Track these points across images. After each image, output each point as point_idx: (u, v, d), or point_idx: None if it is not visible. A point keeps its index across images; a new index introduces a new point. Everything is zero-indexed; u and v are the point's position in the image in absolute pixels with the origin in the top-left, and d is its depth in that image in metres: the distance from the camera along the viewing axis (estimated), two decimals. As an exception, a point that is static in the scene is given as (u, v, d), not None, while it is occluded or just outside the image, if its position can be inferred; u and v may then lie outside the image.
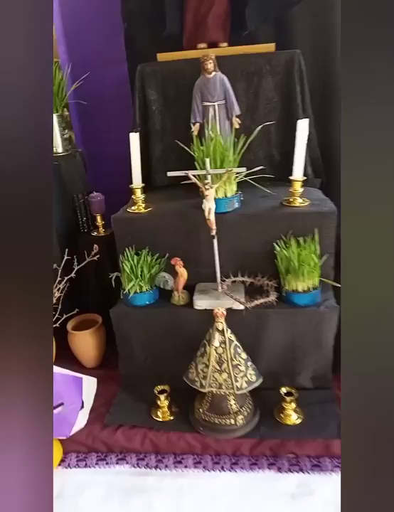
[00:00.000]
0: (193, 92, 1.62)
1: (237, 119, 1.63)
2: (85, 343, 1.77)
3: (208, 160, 1.37)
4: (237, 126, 1.62)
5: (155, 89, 1.75)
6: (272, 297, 1.39)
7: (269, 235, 1.48)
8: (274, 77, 1.69)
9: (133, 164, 1.53)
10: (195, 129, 1.64)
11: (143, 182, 1.59)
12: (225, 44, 1.76)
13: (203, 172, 1.39)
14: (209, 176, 1.38)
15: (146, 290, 1.53)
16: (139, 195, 1.57)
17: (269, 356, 1.51)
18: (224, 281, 1.46)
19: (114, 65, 2.14)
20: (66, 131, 2.00)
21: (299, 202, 1.49)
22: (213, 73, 1.57)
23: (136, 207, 1.58)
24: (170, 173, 1.41)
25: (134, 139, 1.50)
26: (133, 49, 2.03)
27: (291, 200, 1.50)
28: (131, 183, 1.56)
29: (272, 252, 1.48)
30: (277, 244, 1.47)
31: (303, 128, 1.40)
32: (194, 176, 1.39)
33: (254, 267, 1.51)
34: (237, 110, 1.62)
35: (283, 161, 1.78)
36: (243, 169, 1.41)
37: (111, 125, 2.21)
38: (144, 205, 1.59)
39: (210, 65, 1.54)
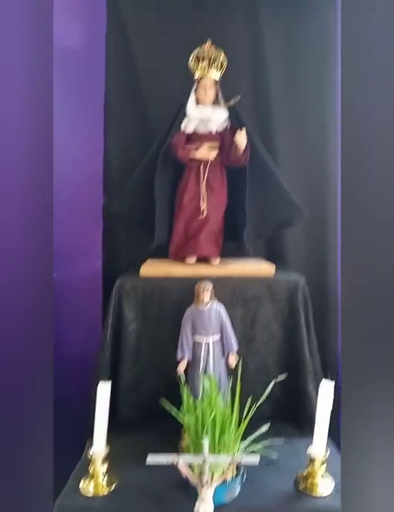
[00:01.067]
0: (183, 322, 1.33)
1: (235, 357, 1.34)
2: None
3: (206, 441, 0.98)
4: (234, 365, 1.32)
5: (134, 307, 1.46)
6: None
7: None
8: (274, 305, 1.46)
9: (97, 424, 1.12)
10: (181, 366, 1.31)
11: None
12: (217, 260, 1.57)
13: (199, 460, 0.99)
14: (207, 464, 0.98)
15: None
16: (98, 468, 1.12)
17: None
18: None
19: (87, 259, 1.91)
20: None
21: (319, 488, 1.10)
22: (209, 304, 1.31)
23: (93, 485, 1.11)
24: (150, 460, 0.99)
25: (104, 390, 1.12)
26: (112, 247, 1.83)
27: (309, 482, 1.11)
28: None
29: None
30: None
31: (327, 392, 1.10)
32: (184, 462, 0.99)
33: None
34: (234, 346, 1.33)
35: (287, 400, 1.46)
36: (255, 460, 1.03)
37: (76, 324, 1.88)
38: (104, 482, 1.12)
39: (206, 297, 1.29)
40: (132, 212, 1.71)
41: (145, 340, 1.46)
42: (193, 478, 0.96)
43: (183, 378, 1.25)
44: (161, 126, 1.63)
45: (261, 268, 1.53)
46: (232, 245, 1.64)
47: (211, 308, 1.30)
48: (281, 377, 1.23)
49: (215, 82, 1.54)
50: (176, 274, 1.50)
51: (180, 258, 1.59)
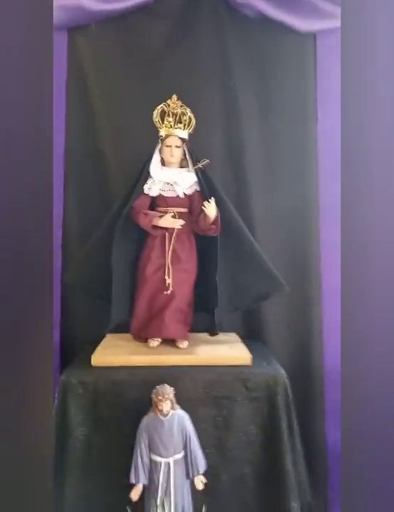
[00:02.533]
0: (137, 437, 1.09)
1: (202, 478, 1.09)
2: None
3: None
4: (202, 488, 1.07)
5: (82, 408, 1.20)
6: None
7: None
8: (251, 404, 1.23)
9: None
10: (135, 493, 1.06)
11: None
12: (185, 343, 1.35)
13: None
14: None
15: None
16: None
17: None
18: None
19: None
20: None
21: None
22: (170, 414, 1.07)
23: None
24: None
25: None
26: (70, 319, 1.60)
27: None
28: None
29: None
30: None
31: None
32: None
33: None
34: (202, 467, 1.09)
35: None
36: None
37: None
38: None
39: (166, 406, 1.05)
40: (89, 284, 1.49)
41: (96, 448, 1.20)
42: None
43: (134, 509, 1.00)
44: (123, 186, 1.44)
45: (236, 356, 1.30)
46: (203, 317, 1.42)
47: (172, 420, 1.06)
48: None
49: (183, 140, 1.36)
50: (135, 363, 1.26)
51: (144, 338, 1.37)
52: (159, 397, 1.03)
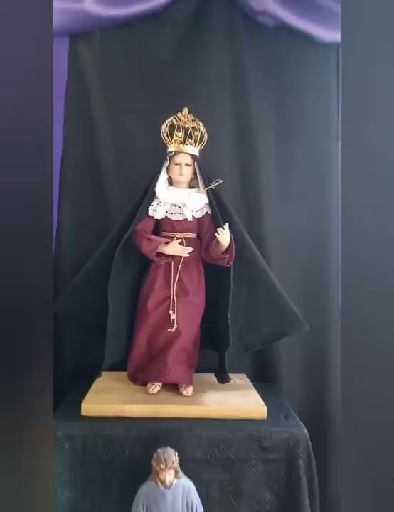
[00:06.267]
0: (133, 508, 0.90)
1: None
2: None
3: None
4: None
5: (69, 466, 1.02)
6: None
7: None
8: (266, 467, 1.05)
9: None
10: None
11: None
12: (190, 389, 1.17)
13: None
14: None
15: None
16: None
17: None
18: None
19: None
20: None
21: None
22: (173, 483, 0.89)
23: None
24: None
25: None
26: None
27: None
28: None
29: None
30: None
31: None
32: None
33: None
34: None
35: None
36: None
37: None
38: None
39: (169, 477, 0.87)
40: (82, 314, 1.32)
41: (82, 517, 1.02)
42: None
43: None
44: (123, 206, 1.29)
45: (250, 410, 1.12)
46: (209, 355, 1.26)
47: (176, 491, 0.88)
48: None
49: (193, 158, 1.21)
50: (131, 414, 1.08)
51: (142, 382, 1.19)
52: (161, 466, 0.86)
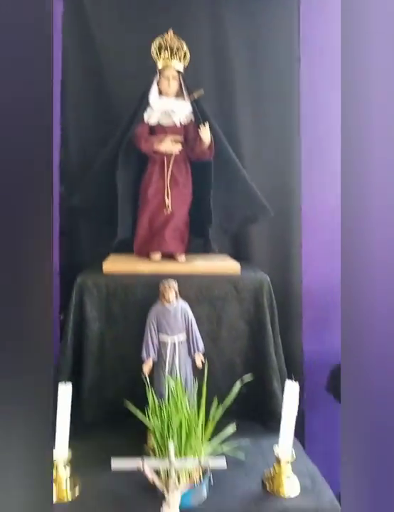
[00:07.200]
0: (147, 321, 1.29)
1: (201, 357, 1.31)
2: None
3: (171, 446, 0.95)
4: (201, 366, 1.29)
5: (97, 305, 1.40)
6: None
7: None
8: (241, 304, 1.44)
9: (58, 426, 1.07)
10: (147, 367, 1.28)
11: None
12: (183, 256, 1.54)
13: (165, 464, 0.96)
14: (173, 469, 0.95)
15: None
16: (62, 472, 1.07)
17: None
18: None
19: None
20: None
21: (286, 489, 1.10)
22: (175, 302, 1.27)
23: (56, 491, 1.06)
24: (115, 465, 0.96)
25: (64, 392, 1.07)
26: (69, 243, 1.76)
27: (276, 484, 1.10)
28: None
29: None
30: None
31: (292, 393, 1.09)
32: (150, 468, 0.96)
33: None
34: (201, 346, 1.31)
35: (251, 396, 1.46)
36: (222, 463, 1.01)
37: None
38: (69, 488, 1.08)
39: (171, 295, 1.25)
40: (93, 207, 1.65)
41: (108, 339, 1.41)
42: (159, 483, 0.93)
43: (148, 380, 1.21)
44: (122, 116, 1.56)
45: (227, 266, 1.51)
46: (197, 242, 1.61)
47: (177, 307, 1.27)
48: (248, 377, 1.22)
49: (178, 73, 1.49)
50: (140, 271, 1.45)
51: (145, 254, 1.54)
52: (166, 286, 1.24)
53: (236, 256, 1.70)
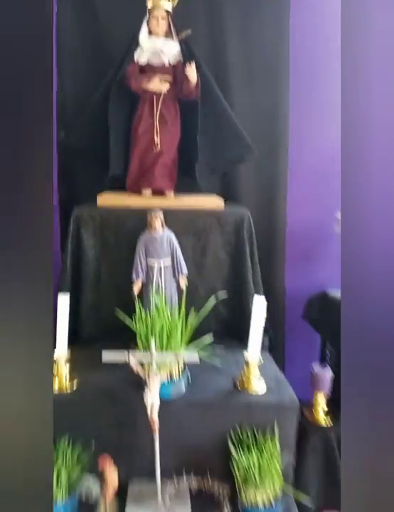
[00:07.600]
0: (137, 247, 1.44)
1: (185, 279, 1.48)
2: None
3: (153, 342, 1.14)
4: (184, 287, 1.46)
5: (92, 234, 1.55)
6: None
7: (221, 426, 1.24)
8: (223, 236, 1.59)
9: (58, 330, 1.25)
10: (136, 287, 1.45)
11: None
12: (172, 193, 1.66)
13: (147, 357, 1.15)
14: (154, 360, 1.14)
15: (62, 501, 1.16)
16: (62, 368, 1.27)
17: None
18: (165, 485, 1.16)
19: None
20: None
21: (254, 387, 1.29)
22: (161, 231, 1.42)
23: (57, 384, 1.27)
24: (105, 357, 1.15)
25: (63, 302, 1.24)
26: (66, 180, 1.88)
27: (245, 383, 1.30)
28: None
29: (224, 445, 1.23)
30: (230, 437, 1.23)
31: (260, 306, 1.26)
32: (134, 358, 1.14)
33: (203, 463, 1.24)
34: (184, 270, 1.47)
35: (230, 318, 1.64)
36: (195, 357, 1.20)
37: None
38: (68, 382, 1.28)
39: (157, 224, 1.39)
40: (88, 147, 1.75)
41: (103, 265, 1.57)
42: (141, 372, 1.12)
43: (138, 299, 1.38)
44: (115, 57, 1.63)
45: (211, 201, 1.64)
46: (186, 181, 1.71)
47: (163, 235, 1.42)
48: (222, 294, 1.39)
49: (168, 13, 1.54)
50: (133, 204, 1.58)
51: (137, 190, 1.66)
52: (153, 216, 1.38)
53: (224, 197, 1.77)
